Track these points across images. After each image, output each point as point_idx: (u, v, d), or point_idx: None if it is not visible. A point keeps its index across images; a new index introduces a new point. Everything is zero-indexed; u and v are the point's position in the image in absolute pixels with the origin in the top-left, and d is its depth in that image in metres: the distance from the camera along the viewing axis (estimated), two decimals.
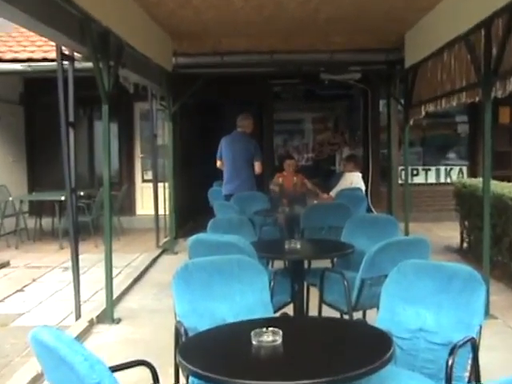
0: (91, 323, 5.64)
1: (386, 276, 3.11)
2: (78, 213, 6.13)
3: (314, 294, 4.76)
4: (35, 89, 11.20)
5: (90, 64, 5.64)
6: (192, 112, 11.57)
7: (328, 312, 4.37)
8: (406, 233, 8.90)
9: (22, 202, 10.51)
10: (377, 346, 2.37)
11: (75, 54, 5.88)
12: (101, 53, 5.69)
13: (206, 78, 9.52)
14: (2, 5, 3.95)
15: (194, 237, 4.14)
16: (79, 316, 5.71)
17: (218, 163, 8.21)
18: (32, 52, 9.75)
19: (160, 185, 10.16)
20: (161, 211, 10.11)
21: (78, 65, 6.05)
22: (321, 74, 10.42)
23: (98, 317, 5.77)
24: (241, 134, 8.01)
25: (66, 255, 7.60)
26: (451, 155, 12.81)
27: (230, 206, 7.12)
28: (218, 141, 8.34)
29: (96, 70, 5.59)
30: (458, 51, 6.72)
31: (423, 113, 8.61)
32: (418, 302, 2.92)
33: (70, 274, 6.00)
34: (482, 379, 2.72)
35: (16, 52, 9.79)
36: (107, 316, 5.80)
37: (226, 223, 5.18)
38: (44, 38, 7.97)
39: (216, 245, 3.91)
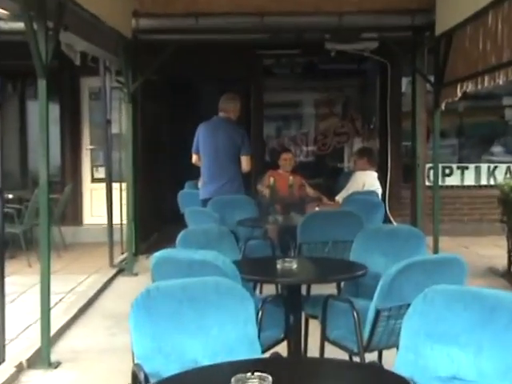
0: (20, 368, 5.57)
1: (408, 306, 3.13)
2: (4, 221, 6.04)
3: (315, 328, 4.78)
4: None
5: (20, 24, 5.55)
6: (158, 91, 11.49)
7: (332, 352, 4.38)
8: (435, 250, 8.97)
9: None
10: None
11: (0, 10, 5.89)
12: (35, 10, 5.60)
13: (177, 47, 9.50)
14: None
15: (159, 253, 4.22)
16: (3, 359, 5.61)
17: (194, 158, 8.23)
18: None
19: (115, 185, 10.16)
20: (116, 220, 10.10)
21: (3, 25, 6.04)
22: (326, 43, 10.35)
23: (29, 360, 5.71)
24: (225, 121, 8.08)
25: None
26: (496, 149, 12.86)
27: (207, 213, 7.22)
28: (193, 129, 8.38)
29: (29, 32, 5.50)
30: (507, 12, 6.71)
31: (459, 94, 8.66)
32: (451, 341, 2.92)
33: None
34: None
35: None
36: (42, 358, 5.75)
37: (200, 236, 5.26)
38: None
39: (188, 264, 4.00)
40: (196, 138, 8.18)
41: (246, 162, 7.95)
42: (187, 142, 8.41)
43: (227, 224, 6.67)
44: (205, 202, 7.84)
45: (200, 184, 8.35)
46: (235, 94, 8.32)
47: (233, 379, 2.39)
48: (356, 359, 4.20)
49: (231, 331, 3.14)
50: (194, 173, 8.63)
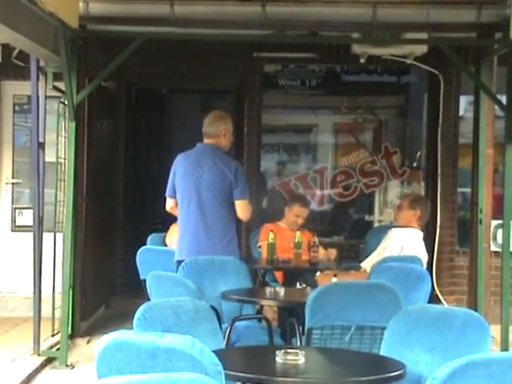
0: None
1: None
2: None
3: None
4: None
5: None
6: (114, 105, 11.30)
7: None
8: (504, 345, 8.55)
9: None
10: None
11: None
12: None
13: (143, 44, 8.86)
14: None
15: (108, 337, 4.01)
16: None
17: (170, 203, 7.77)
18: None
19: (47, 236, 9.32)
20: (46, 287, 9.28)
21: None
22: (353, 46, 9.81)
23: None
24: (212, 150, 7.67)
25: None
26: None
27: (178, 280, 6.98)
28: (166, 161, 8.58)
29: None
30: None
31: None
32: None
33: None
34: None
35: None
36: None
37: (168, 313, 5.13)
38: None
39: (149, 353, 3.86)
40: (172, 174, 7.74)
41: (242, 209, 7.55)
42: (153, 178, 8.50)
43: (207, 297, 6.65)
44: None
45: (169, 239, 8.29)
46: (225, 112, 7.95)
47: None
48: None
49: None
50: (163, 221, 8.62)
